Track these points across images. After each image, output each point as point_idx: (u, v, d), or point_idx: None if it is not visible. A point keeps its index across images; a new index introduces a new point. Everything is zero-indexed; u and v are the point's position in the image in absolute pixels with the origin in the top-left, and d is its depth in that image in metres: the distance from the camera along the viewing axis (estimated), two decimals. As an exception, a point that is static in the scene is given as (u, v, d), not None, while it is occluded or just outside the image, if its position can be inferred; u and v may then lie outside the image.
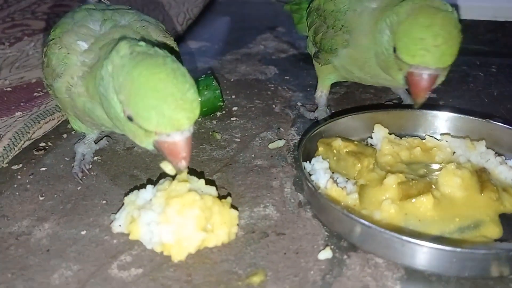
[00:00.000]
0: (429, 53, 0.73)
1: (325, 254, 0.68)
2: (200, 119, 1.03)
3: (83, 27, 0.77)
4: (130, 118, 0.63)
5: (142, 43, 0.66)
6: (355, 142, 0.85)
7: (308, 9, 1.06)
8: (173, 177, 0.74)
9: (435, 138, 0.90)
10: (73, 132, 0.97)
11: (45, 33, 1.52)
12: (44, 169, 0.87)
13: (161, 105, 0.60)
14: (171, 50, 0.79)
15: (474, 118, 0.90)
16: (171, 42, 0.84)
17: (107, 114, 0.70)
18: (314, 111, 1.04)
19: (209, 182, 0.77)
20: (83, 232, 0.73)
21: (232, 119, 1.04)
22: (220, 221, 0.70)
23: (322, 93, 1.05)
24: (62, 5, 1.82)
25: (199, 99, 0.63)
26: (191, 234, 0.68)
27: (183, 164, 0.64)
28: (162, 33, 0.82)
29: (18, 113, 0.99)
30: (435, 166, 0.84)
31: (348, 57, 0.92)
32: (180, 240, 0.67)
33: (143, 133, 0.64)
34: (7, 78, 1.22)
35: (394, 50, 0.78)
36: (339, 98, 1.11)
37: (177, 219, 0.67)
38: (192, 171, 0.84)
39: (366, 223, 0.66)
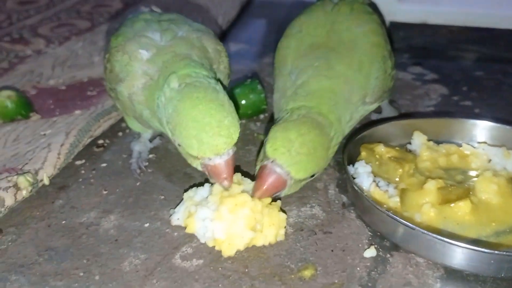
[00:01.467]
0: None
1: (370, 252, 0.74)
2: (244, 121, 1.09)
3: (144, 37, 0.84)
4: (179, 145, 0.74)
5: (191, 73, 0.75)
6: (397, 148, 0.90)
7: None
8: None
9: (472, 146, 0.94)
10: (127, 131, 1.04)
11: (91, 33, 1.60)
12: (104, 165, 0.94)
13: (200, 134, 0.70)
14: (218, 59, 0.88)
15: (509, 127, 0.94)
16: (220, 48, 0.91)
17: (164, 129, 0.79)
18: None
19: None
20: (146, 225, 0.79)
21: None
22: (269, 222, 0.76)
23: None
24: (104, 5, 1.90)
25: (238, 124, 0.73)
26: (241, 232, 0.73)
27: (226, 184, 0.74)
28: (213, 40, 0.89)
29: (77, 112, 1.07)
30: (471, 173, 0.89)
31: None
32: (230, 237, 0.73)
33: (191, 156, 0.74)
34: (60, 76, 1.29)
35: None
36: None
37: (229, 217, 0.73)
38: (242, 172, 0.90)
39: (409, 224, 0.71)
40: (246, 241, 0.74)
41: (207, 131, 0.70)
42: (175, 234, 0.77)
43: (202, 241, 0.76)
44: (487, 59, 1.41)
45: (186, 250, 0.74)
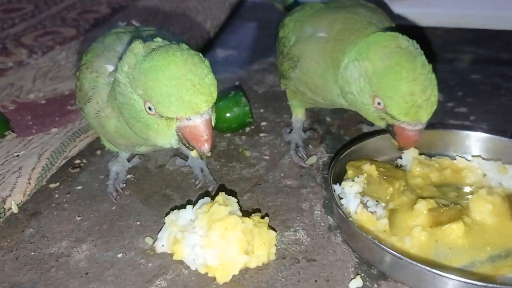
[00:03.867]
0: (421, 109, 0.71)
1: (356, 283, 0.69)
2: (229, 135, 1.05)
3: (112, 51, 0.79)
4: (150, 109, 0.66)
5: (157, 38, 0.69)
6: (385, 165, 0.85)
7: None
8: (212, 198, 0.77)
9: (466, 159, 0.89)
10: (106, 149, 1.00)
11: (76, 41, 1.55)
12: (80, 187, 0.90)
13: (180, 91, 0.63)
14: None
15: (506, 139, 0.90)
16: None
17: (127, 123, 0.72)
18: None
19: (240, 203, 0.79)
20: (119, 255, 0.75)
21: (261, 135, 1.05)
22: (260, 242, 0.72)
23: (296, 117, 1.03)
24: (91, 11, 1.85)
25: (216, 83, 0.66)
26: (235, 257, 0.70)
27: (206, 147, 0.67)
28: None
29: (54, 130, 1.02)
30: (466, 189, 0.84)
31: (298, 80, 0.90)
32: (224, 263, 0.70)
33: (165, 124, 0.67)
34: (41, 90, 1.25)
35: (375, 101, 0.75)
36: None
37: (221, 243, 0.70)
38: (226, 191, 0.85)
39: (397, 254, 0.67)
40: (240, 266, 0.70)
41: (188, 88, 0.63)
42: (150, 265, 0.73)
43: (193, 268, 0.72)
44: (484, 61, 1.36)
45: (160, 284, 0.70)
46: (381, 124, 0.78)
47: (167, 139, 0.69)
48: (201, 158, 0.74)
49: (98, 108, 0.77)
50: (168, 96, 0.63)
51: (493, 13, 1.36)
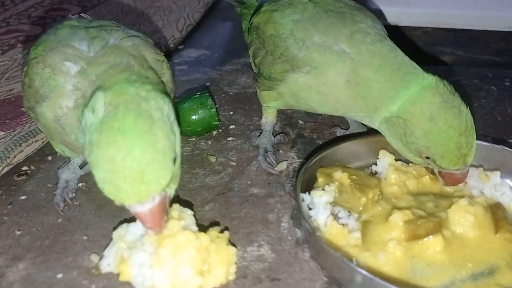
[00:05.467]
0: (468, 156, 0.72)
1: (323, 305, 0.62)
2: (194, 139, 0.97)
3: (69, 47, 0.71)
4: None
5: (129, 86, 0.59)
6: (358, 172, 0.79)
7: (249, 23, 0.95)
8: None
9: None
10: (59, 154, 0.91)
11: (39, 40, 1.47)
12: (24, 197, 0.82)
13: (117, 179, 0.55)
14: (160, 71, 0.74)
15: (487, 144, 0.84)
16: (161, 58, 0.78)
17: None
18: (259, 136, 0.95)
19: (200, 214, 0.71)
20: (60, 275, 0.67)
21: (228, 139, 0.98)
22: (217, 260, 0.65)
23: (266, 119, 0.95)
24: (59, 9, 1.77)
25: (171, 165, 0.58)
26: (188, 279, 0.62)
27: (153, 231, 0.62)
28: (153, 49, 0.77)
29: (1, 133, 0.94)
30: (444, 199, 0.77)
31: (304, 85, 0.81)
32: (176, 285, 0.62)
33: None
34: (-5, 90, 1.16)
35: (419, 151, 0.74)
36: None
37: (171, 262, 0.62)
38: (182, 201, 0.78)
39: (368, 274, 0.60)
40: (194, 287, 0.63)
41: (126, 177, 0.55)
42: (93, 286, 0.65)
43: (141, 291, 0.64)
44: (464, 63, 1.30)
45: (103, 308, 0.62)
46: (418, 162, 0.78)
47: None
48: None
49: (61, 113, 0.69)
50: (106, 181, 0.56)
51: (473, 13, 1.31)
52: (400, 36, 1.45)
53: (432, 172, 0.79)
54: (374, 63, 0.75)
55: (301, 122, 1.03)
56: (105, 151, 0.55)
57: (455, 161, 0.72)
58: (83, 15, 0.89)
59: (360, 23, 0.79)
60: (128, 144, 0.55)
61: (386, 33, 0.81)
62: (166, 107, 0.60)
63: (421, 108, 0.71)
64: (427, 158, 0.74)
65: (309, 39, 0.78)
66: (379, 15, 1.33)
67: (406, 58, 0.76)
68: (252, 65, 0.95)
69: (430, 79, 0.74)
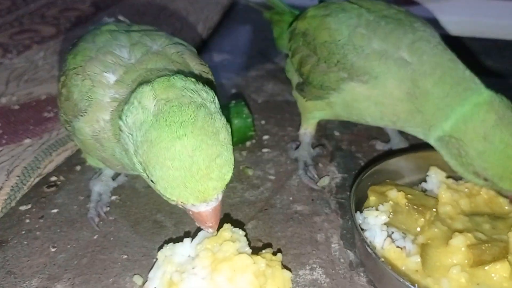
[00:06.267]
0: None
1: (389, 337, 0.58)
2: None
3: (109, 54, 0.65)
4: (152, 181, 0.54)
5: (176, 79, 0.55)
6: (413, 191, 0.74)
7: (291, 28, 0.90)
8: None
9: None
10: (87, 164, 0.87)
11: (55, 41, 1.42)
12: (55, 210, 0.77)
13: (183, 176, 0.51)
14: (206, 82, 0.69)
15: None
16: (207, 70, 0.72)
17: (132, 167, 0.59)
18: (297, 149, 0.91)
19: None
20: (102, 298, 0.62)
21: (263, 150, 0.93)
22: (273, 285, 0.60)
23: (306, 130, 0.91)
24: (73, 9, 1.72)
25: (233, 160, 0.54)
26: None
27: (210, 231, 0.58)
28: (197, 59, 0.71)
29: (27, 141, 0.89)
30: (501, 220, 0.73)
31: (361, 95, 0.76)
32: None
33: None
34: (14, 93, 1.11)
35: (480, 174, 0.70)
36: (378, 127, 1.00)
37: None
38: (231, 220, 0.73)
39: (441, 304, 0.56)
40: None
41: (193, 174, 0.51)
42: (139, 312, 0.61)
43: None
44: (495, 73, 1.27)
45: (151, 337, 0.57)
46: (474, 180, 0.73)
47: (171, 203, 0.57)
48: None
49: (99, 127, 0.63)
50: (170, 180, 0.52)
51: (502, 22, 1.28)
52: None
53: (499, 192, 0.75)
54: (435, 76, 0.71)
55: (337, 134, 0.99)
56: (168, 147, 0.51)
57: (509, 185, 0.68)
58: (120, 17, 0.84)
59: (420, 31, 0.74)
60: (193, 138, 0.51)
61: (444, 42, 0.77)
62: (216, 100, 0.56)
63: (474, 127, 0.67)
64: (486, 180, 0.70)
65: (368, 46, 0.74)
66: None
67: (468, 72, 0.72)
68: (291, 73, 0.91)
69: (486, 95, 0.69)
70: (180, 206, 0.56)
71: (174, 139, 0.51)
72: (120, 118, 0.56)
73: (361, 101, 0.76)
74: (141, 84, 0.57)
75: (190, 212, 0.56)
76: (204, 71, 0.71)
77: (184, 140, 0.51)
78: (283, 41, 0.97)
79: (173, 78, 0.55)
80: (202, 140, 0.51)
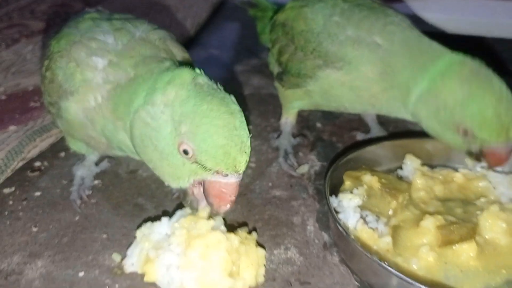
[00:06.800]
0: (510, 129, 0.69)
1: (357, 311, 0.60)
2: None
3: (94, 40, 0.68)
4: (186, 151, 0.57)
5: (201, 73, 0.61)
6: (387, 176, 0.77)
7: (272, 21, 0.94)
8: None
9: (472, 171, 0.81)
10: (71, 151, 0.88)
11: (44, 35, 1.43)
12: (38, 193, 0.79)
13: (229, 145, 0.57)
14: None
15: (516, 150, 0.82)
16: (187, 55, 0.75)
17: (137, 140, 0.61)
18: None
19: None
20: (81, 274, 0.64)
21: (246, 140, 0.95)
22: (246, 262, 0.63)
23: (287, 120, 0.93)
24: (63, 5, 1.73)
25: None
26: (218, 281, 0.60)
27: (227, 207, 0.61)
28: (178, 45, 0.74)
29: (12, 127, 0.90)
30: (473, 205, 0.76)
31: (336, 81, 0.80)
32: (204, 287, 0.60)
33: (192, 169, 0.59)
34: (2, 84, 1.13)
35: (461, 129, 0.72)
36: (360, 119, 1.02)
37: (201, 264, 0.60)
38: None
39: (407, 278, 0.58)
40: None
41: (237, 144, 0.57)
42: (116, 286, 0.62)
43: (168, 292, 0.62)
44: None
45: (128, 309, 0.59)
46: (464, 148, 0.75)
47: (179, 181, 0.61)
48: (195, 210, 0.67)
49: (91, 106, 0.66)
50: (218, 147, 0.57)
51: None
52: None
53: (476, 158, 0.76)
54: (405, 51, 0.74)
55: (319, 125, 1.01)
56: (218, 117, 0.56)
57: (496, 131, 0.69)
58: (100, 8, 0.86)
59: (391, 16, 0.78)
60: (237, 115, 0.58)
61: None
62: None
63: (451, 78, 0.71)
64: (466, 134, 0.71)
65: (342, 33, 0.77)
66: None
67: (435, 43, 0.75)
68: (273, 64, 0.93)
69: (457, 55, 0.73)
70: (199, 183, 0.60)
71: (224, 112, 0.57)
72: (154, 92, 0.59)
73: (337, 87, 0.79)
74: (146, 69, 0.63)
75: (217, 186, 0.59)
76: (185, 57, 0.73)
77: (230, 115, 0.57)
78: (265, 35, 1.00)
79: (183, 71, 0.60)
80: (242, 119, 0.58)
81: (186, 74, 0.59)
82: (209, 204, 0.60)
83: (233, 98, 0.60)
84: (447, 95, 0.70)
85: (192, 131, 0.56)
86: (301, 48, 0.81)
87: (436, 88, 0.71)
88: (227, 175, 0.58)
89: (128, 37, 0.68)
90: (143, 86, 0.61)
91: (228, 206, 0.60)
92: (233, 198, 0.60)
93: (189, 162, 0.58)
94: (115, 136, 0.66)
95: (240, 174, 0.59)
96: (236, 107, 0.59)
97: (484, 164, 0.82)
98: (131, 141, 0.62)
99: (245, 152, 0.58)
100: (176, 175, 0.60)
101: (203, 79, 0.59)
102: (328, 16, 0.79)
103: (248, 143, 0.58)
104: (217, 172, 0.58)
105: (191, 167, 0.58)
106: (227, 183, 0.58)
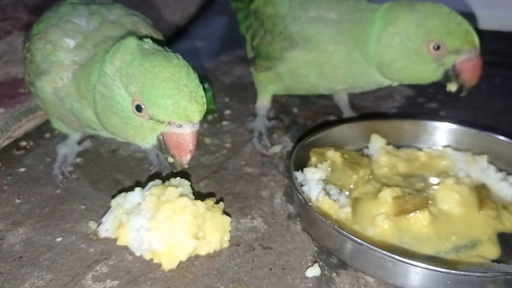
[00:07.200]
0: (472, 34, 0.77)
1: (313, 271, 0.64)
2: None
3: (69, 23, 0.73)
4: (139, 109, 0.61)
5: (149, 40, 0.64)
6: (350, 152, 0.81)
7: (248, 10, 0.99)
8: (163, 181, 0.72)
9: (435, 150, 0.85)
10: (56, 132, 0.93)
11: (37, 28, 1.48)
12: (23, 169, 0.83)
13: (177, 95, 0.60)
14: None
15: (476, 130, 0.87)
16: (160, 37, 0.80)
17: (100, 114, 0.66)
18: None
19: (195, 189, 0.73)
20: (59, 239, 0.69)
21: (223, 123, 1.00)
22: (212, 227, 0.67)
23: (262, 104, 0.98)
24: (57, 0, 1.78)
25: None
26: (183, 242, 0.65)
27: (188, 158, 0.63)
28: (151, 28, 0.79)
29: (1, 110, 0.95)
30: (433, 180, 0.80)
31: (302, 62, 0.85)
32: (171, 248, 0.64)
33: (150, 126, 0.62)
34: (-7, 72, 1.17)
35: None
36: (335, 105, 1.07)
37: (168, 226, 0.64)
38: (181, 176, 0.80)
39: (357, 240, 0.62)
40: (189, 251, 0.65)
41: (186, 94, 0.60)
42: (91, 250, 0.67)
43: (138, 253, 0.66)
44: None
45: (100, 269, 0.64)
46: (439, 75, 0.79)
47: (145, 141, 0.64)
48: (175, 168, 0.70)
49: (62, 84, 0.71)
50: (165, 98, 0.60)
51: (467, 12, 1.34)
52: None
53: (446, 79, 0.81)
54: (351, 17, 0.81)
55: (295, 110, 1.06)
56: (162, 71, 0.59)
57: (463, 36, 0.75)
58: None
59: None
60: (182, 67, 0.61)
61: None
62: None
63: (400, 10, 0.78)
64: (438, 48, 0.76)
65: (305, 14, 0.83)
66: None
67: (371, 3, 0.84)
68: (249, 49, 0.98)
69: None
70: (159, 138, 0.63)
71: (167, 66, 0.60)
72: (104, 63, 0.63)
73: (303, 67, 0.84)
74: (103, 49, 0.66)
75: (174, 137, 0.62)
76: (158, 39, 0.78)
77: (174, 68, 0.60)
78: (242, 24, 1.05)
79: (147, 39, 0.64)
80: (188, 71, 0.61)
81: (131, 41, 0.63)
82: (172, 157, 0.64)
83: (178, 55, 0.63)
84: (404, 23, 0.76)
85: (139, 88, 0.60)
86: (269, 31, 0.86)
87: (391, 24, 0.77)
88: (181, 125, 0.61)
89: (100, 19, 0.73)
90: (98, 63, 0.65)
91: (189, 156, 0.63)
92: (191, 147, 0.62)
93: (146, 120, 0.61)
94: (83, 114, 0.71)
95: (195, 123, 0.61)
96: (180, 61, 0.61)
97: (445, 143, 0.87)
98: (97, 118, 0.67)
99: (196, 102, 0.60)
100: (140, 135, 0.63)
101: (149, 44, 0.63)
102: (293, 0, 0.84)
103: (200, 93, 0.61)
104: (171, 123, 0.61)
105: (149, 124, 0.61)
106: (183, 134, 0.61)
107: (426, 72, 0.79)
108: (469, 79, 0.79)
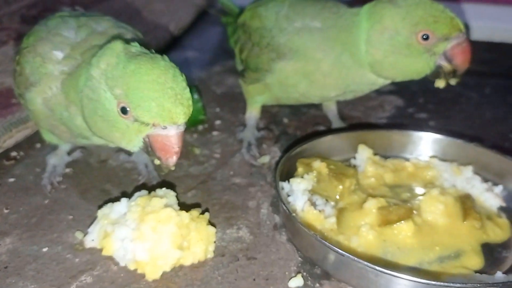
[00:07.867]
0: (456, 20, 0.79)
1: (296, 281, 0.65)
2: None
3: (58, 36, 0.74)
4: (124, 111, 0.62)
5: (135, 43, 0.65)
6: (336, 162, 0.82)
7: (235, 24, 1.01)
8: (149, 192, 0.73)
9: (422, 161, 0.86)
10: (48, 143, 0.94)
11: (32, 38, 1.49)
12: (12, 180, 0.84)
13: (161, 97, 0.60)
14: None
15: (462, 141, 0.87)
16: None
17: (87, 118, 0.67)
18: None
19: (182, 200, 0.74)
20: (45, 249, 0.69)
21: (213, 133, 1.01)
22: (196, 238, 0.68)
23: (251, 114, 0.99)
24: (52, 10, 1.79)
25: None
26: (167, 252, 0.65)
27: (174, 159, 0.64)
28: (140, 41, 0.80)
29: (-7, 120, 0.96)
30: (419, 190, 0.81)
31: (291, 72, 0.86)
32: (154, 258, 0.65)
33: (136, 129, 0.63)
34: (-13, 83, 1.18)
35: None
36: (325, 115, 1.08)
37: (152, 236, 0.65)
38: (168, 186, 0.80)
39: (339, 250, 0.63)
40: (172, 261, 0.66)
41: (170, 96, 0.60)
42: (76, 260, 0.67)
43: (122, 263, 0.67)
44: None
45: (85, 280, 0.64)
46: (431, 65, 0.80)
47: (131, 144, 0.65)
48: (162, 171, 0.69)
49: (51, 94, 0.72)
50: (150, 100, 0.60)
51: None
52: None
53: (438, 72, 0.81)
54: (335, 22, 0.83)
55: (285, 120, 1.06)
56: (147, 74, 0.60)
57: (449, 24, 0.77)
58: (77, 8, 0.92)
59: (329, 2, 0.87)
60: (167, 70, 0.61)
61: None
62: None
63: (383, 7, 0.79)
64: (427, 38, 0.77)
65: (291, 25, 0.84)
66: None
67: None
68: (239, 63, 0.99)
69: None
70: (145, 140, 0.63)
71: (153, 68, 0.61)
72: (90, 67, 0.64)
73: (291, 77, 0.85)
74: (93, 49, 0.68)
75: (159, 139, 0.62)
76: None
77: (160, 70, 0.61)
78: (232, 38, 1.07)
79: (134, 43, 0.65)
80: (174, 73, 0.62)
81: (117, 44, 0.64)
82: (158, 159, 0.64)
83: (165, 57, 0.63)
84: (390, 18, 0.78)
85: (124, 90, 0.61)
86: (257, 44, 0.87)
87: (377, 22, 0.79)
88: (166, 127, 0.61)
89: (88, 31, 0.74)
90: (85, 68, 0.66)
91: (174, 158, 0.63)
92: (177, 149, 0.63)
93: (131, 122, 0.62)
94: (72, 122, 0.72)
95: (179, 125, 0.62)
96: (167, 64, 0.62)
97: (431, 154, 0.88)
98: (85, 123, 0.68)
99: (181, 104, 0.61)
100: (126, 138, 0.64)
101: (135, 48, 0.64)
102: (279, 12, 0.86)
103: (186, 96, 0.62)
104: (156, 126, 0.61)
105: (134, 126, 0.62)
106: (168, 135, 0.62)
107: (419, 64, 0.80)
108: (461, 63, 0.80)
